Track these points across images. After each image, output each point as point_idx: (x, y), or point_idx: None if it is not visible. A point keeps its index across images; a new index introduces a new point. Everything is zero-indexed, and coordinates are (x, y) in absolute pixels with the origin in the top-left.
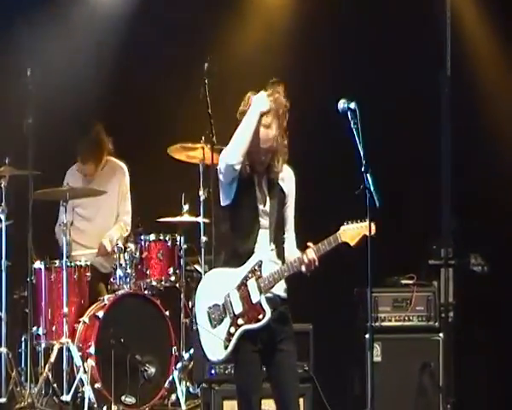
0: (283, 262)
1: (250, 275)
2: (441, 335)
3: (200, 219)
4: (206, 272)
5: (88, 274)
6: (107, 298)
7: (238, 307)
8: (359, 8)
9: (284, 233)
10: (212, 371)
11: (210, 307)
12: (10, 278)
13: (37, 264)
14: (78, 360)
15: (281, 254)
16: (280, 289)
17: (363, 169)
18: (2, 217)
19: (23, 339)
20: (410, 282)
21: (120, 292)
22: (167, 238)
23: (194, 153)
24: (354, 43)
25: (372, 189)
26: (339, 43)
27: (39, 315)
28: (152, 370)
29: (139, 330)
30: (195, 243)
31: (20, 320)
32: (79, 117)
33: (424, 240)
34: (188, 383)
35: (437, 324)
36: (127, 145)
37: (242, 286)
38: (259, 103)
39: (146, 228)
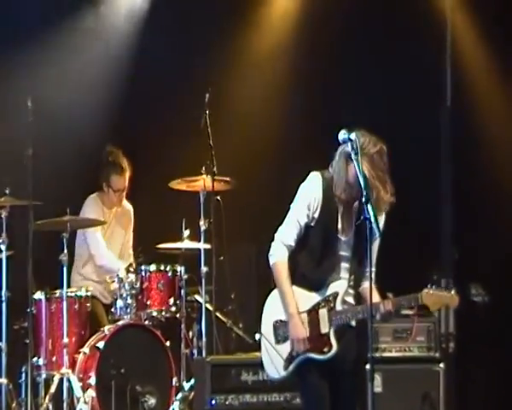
0: (358, 297)
1: (323, 304)
2: (442, 365)
3: (201, 245)
4: (206, 302)
5: (88, 305)
6: (107, 329)
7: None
8: (360, 37)
9: (365, 267)
10: (213, 402)
11: (277, 322)
12: (10, 309)
13: (38, 294)
14: (78, 391)
15: (357, 287)
16: None
17: (363, 200)
18: (3, 247)
19: (23, 370)
20: (411, 312)
21: (121, 323)
22: (168, 269)
23: (194, 183)
24: (355, 71)
25: (372, 219)
26: (340, 71)
27: (39, 346)
28: (152, 401)
29: (139, 361)
30: (196, 273)
31: (21, 351)
32: (80, 148)
33: (424, 270)
34: None
35: (437, 354)
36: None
37: (313, 312)
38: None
39: (146, 258)
